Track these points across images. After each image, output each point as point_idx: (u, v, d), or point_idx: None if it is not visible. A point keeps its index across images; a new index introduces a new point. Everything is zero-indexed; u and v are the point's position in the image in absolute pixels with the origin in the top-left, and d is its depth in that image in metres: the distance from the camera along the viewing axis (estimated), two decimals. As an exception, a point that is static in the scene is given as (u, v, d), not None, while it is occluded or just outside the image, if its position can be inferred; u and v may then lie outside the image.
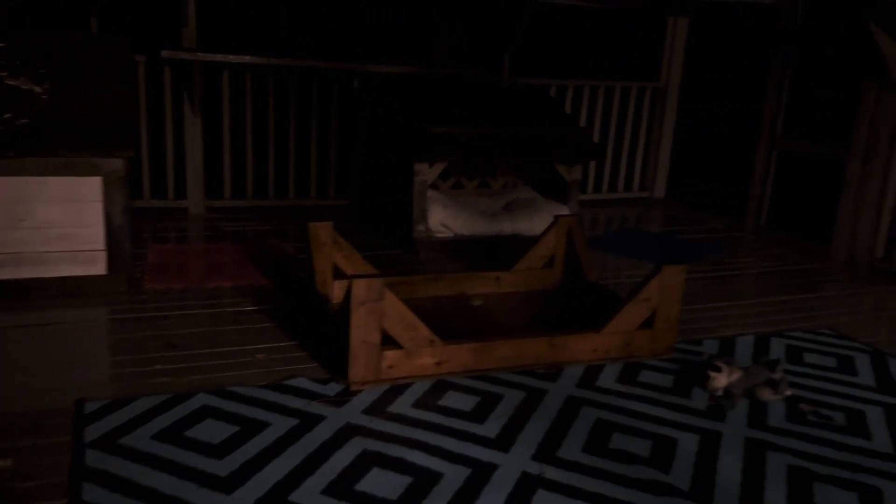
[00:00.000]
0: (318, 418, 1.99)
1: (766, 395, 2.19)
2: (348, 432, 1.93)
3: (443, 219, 3.61)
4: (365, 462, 1.80)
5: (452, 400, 2.12)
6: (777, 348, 2.64)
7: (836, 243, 3.84)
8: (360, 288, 2.08)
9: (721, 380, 2.21)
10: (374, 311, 2.10)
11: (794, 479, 1.81)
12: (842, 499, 1.74)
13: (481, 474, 1.77)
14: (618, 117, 5.00)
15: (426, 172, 3.48)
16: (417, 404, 2.09)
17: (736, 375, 2.21)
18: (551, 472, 1.79)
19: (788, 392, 2.21)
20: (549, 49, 4.90)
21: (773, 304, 3.15)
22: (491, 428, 1.98)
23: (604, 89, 4.90)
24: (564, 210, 3.82)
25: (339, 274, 2.71)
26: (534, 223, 3.72)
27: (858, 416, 2.17)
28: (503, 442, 1.91)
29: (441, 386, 2.20)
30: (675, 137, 5.13)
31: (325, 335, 2.46)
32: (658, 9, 4.82)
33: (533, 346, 2.35)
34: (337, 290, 2.61)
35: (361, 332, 2.11)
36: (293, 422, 1.96)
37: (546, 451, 1.88)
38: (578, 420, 2.06)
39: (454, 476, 1.75)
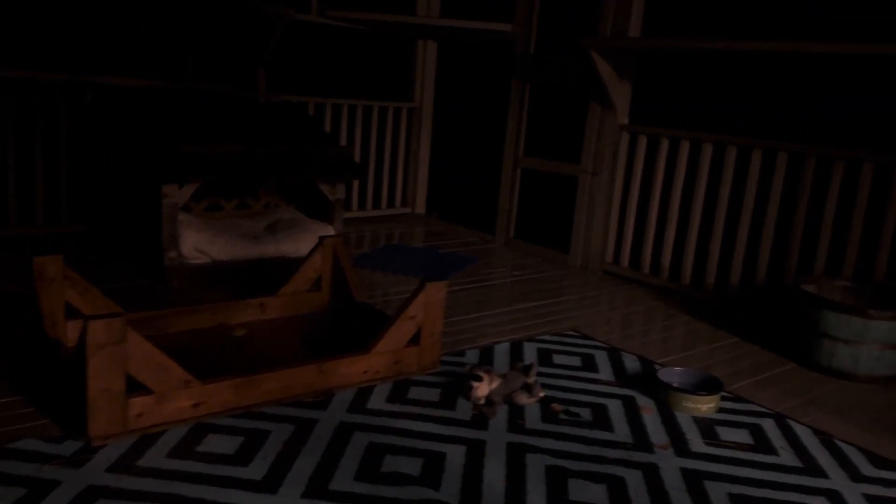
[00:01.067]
0: (52, 484, 1.72)
1: (523, 399, 2.33)
2: (90, 496, 1.69)
3: (197, 243, 3.37)
4: (111, 529, 1.58)
5: (213, 444, 1.96)
6: (530, 352, 2.84)
7: (574, 251, 4.26)
8: (97, 329, 1.84)
9: (482, 388, 2.31)
10: (116, 354, 1.87)
11: (552, 479, 1.93)
12: (593, 491, 1.89)
13: (248, 522, 1.65)
14: (377, 136, 5.09)
15: (176, 194, 3.22)
16: (172, 454, 1.90)
17: (496, 383, 2.33)
18: (323, 508, 1.72)
19: (542, 394, 2.38)
20: (306, 66, 4.84)
21: (524, 311, 3.38)
22: (257, 469, 1.86)
23: (362, 108, 4.96)
24: (329, 229, 3.78)
25: (73, 313, 2.39)
26: (299, 244, 3.63)
27: (602, 410, 2.39)
28: (271, 483, 1.81)
29: (200, 430, 2.03)
30: (432, 155, 5.35)
31: (57, 386, 2.14)
32: (408, 32, 5.00)
33: (301, 374, 2.27)
34: (71, 333, 2.30)
35: (101, 379, 1.87)
36: (20, 492, 1.68)
37: (317, 486, 1.81)
38: (350, 447, 2.01)
39: (217, 529, 1.61)
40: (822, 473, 2.08)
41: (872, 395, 2.70)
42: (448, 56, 5.19)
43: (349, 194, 4.99)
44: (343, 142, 4.85)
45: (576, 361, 2.79)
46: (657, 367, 2.70)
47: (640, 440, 2.19)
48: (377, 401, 2.31)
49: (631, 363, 2.81)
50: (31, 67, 3.82)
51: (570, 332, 3.12)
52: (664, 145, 3.82)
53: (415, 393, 2.39)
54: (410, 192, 5.37)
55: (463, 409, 2.30)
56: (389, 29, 4.88)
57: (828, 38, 3.12)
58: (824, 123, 3.30)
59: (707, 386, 2.49)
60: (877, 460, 2.18)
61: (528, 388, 2.33)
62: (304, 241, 3.59)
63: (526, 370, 2.38)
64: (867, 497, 1.96)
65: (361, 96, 4.97)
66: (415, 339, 2.50)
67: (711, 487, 1.95)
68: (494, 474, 1.93)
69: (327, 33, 4.80)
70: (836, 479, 2.05)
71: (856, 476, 2.07)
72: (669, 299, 3.73)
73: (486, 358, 2.75)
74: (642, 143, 3.91)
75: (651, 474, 2.00)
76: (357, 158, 4.96)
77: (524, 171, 4.59)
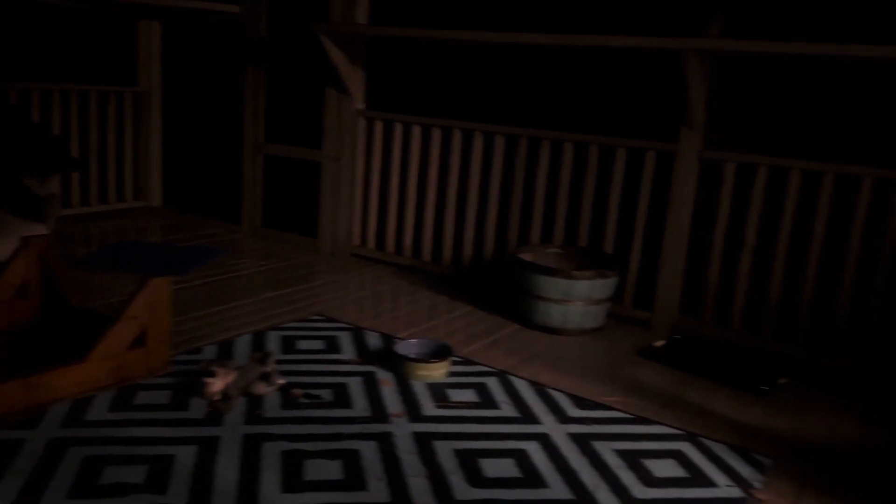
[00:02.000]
0: None
1: (261, 389, 2.30)
2: None
3: None
4: None
5: None
6: (274, 341, 2.81)
7: (322, 236, 4.28)
8: None
9: (217, 384, 2.24)
10: None
11: (288, 463, 1.94)
12: (328, 468, 1.94)
13: (-74, 568, 1.44)
14: (98, 124, 4.65)
15: None
16: None
17: (231, 376, 2.27)
18: (26, 535, 1.56)
19: (281, 382, 2.37)
20: (10, 49, 4.24)
21: (269, 301, 3.34)
22: (-58, 506, 1.63)
23: (76, 94, 4.48)
24: (41, 229, 3.37)
25: None
26: (6, 248, 3.19)
27: (342, 388, 2.45)
28: (-40, 518, 1.60)
29: None
30: (165, 143, 5.01)
31: None
32: (126, 11, 4.61)
33: (1, 393, 2.02)
34: None
35: None
36: None
37: (21, 513, 1.63)
38: (64, 463, 1.84)
39: None
40: (535, 420, 2.33)
41: (579, 347, 3.08)
42: (176, 38, 4.88)
43: (68, 189, 4.50)
44: (57, 131, 4.35)
45: (319, 345, 2.82)
46: (396, 341, 2.83)
47: (378, 412, 2.29)
48: (98, 411, 2.14)
49: (374, 341, 2.91)
50: None
51: (316, 317, 3.15)
52: (398, 130, 3.97)
53: (142, 398, 2.25)
54: (143, 183, 4.99)
55: (197, 409, 2.22)
56: (104, 7, 4.46)
57: (541, 30, 3.46)
58: (536, 107, 3.66)
59: (439, 354, 2.66)
60: (581, 402, 2.49)
61: (265, 378, 2.31)
62: (8, 243, 3.17)
63: (263, 360, 2.35)
64: (570, 435, 2.24)
65: (77, 81, 4.49)
66: (140, 341, 2.34)
67: (439, 446, 2.10)
68: (227, 469, 1.89)
69: (37, 12, 4.26)
70: (547, 423, 2.32)
71: (563, 418, 2.36)
72: (413, 277, 3.91)
73: (226, 352, 2.67)
74: (378, 128, 4.03)
75: (385, 443, 2.09)
76: (75, 150, 4.49)
77: (267, 158, 4.50)
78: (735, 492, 1.98)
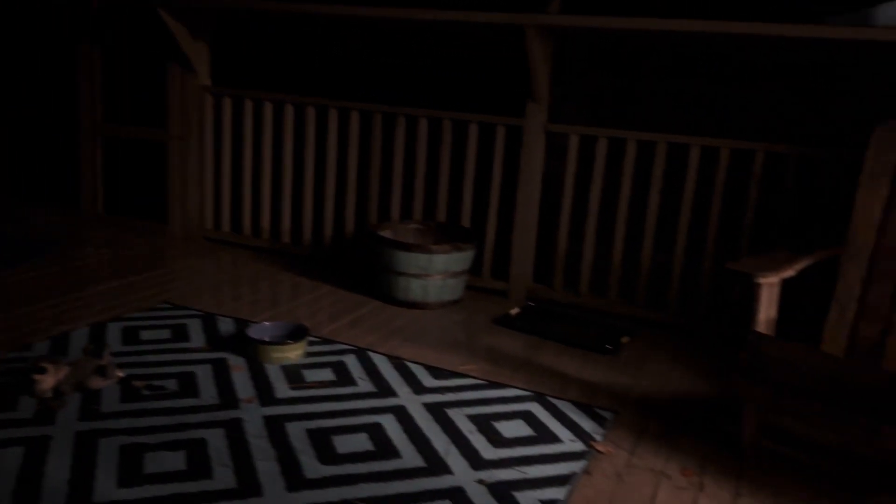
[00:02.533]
0: None
1: (97, 382, 2.17)
2: None
3: None
4: None
5: None
6: (114, 334, 2.65)
7: (172, 221, 4.07)
8: None
9: (48, 381, 2.09)
10: None
11: (126, 457, 1.85)
12: (170, 460, 1.86)
13: None
14: None
15: None
16: None
17: (63, 372, 2.12)
18: None
19: (119, 374, 2.24)
20: None
21: (112, 290, 3.14)
22: None
23: None
24: None
25: None
26: None
27: (190, 377, 2.35)
28: None
29: None
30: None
31: None
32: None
33: None
34: None
35: None
36: None
37: None
38: None
39: None
40: (392, 393, 2.35)
41: (439, 319, 3.13)
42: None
43: None
44: None
45: (165, 334, 2.69)
46: (250, 325, 2.75)
47: (227, 399, 2.22)
48: None
49: (227, 326, 2.81)
50: None
51: (163, 305, 2.99)
52: (249, 107, 3.83)
53: (-41, 402, 2.05)
54: (-32, 170, 4.53)
55: (26, 408, 2.05)
56: None
57: (388, 4, 3.43)
58: (392, 83, 3.65)
59: (295, 335, 2.62)
60: (437, 373, 2.54)
61: (101, 371, 2.17)
62: None
63: (97, 353, 2.21)
64: (425, 405, 2.28)
65: None
66: (-46, 340, 2.13)
67: (292, 428, 2.07)
68: (57, 469, 1.77)
69: None
70: (403, 395, 2.34)
71: (419, 389, 2.39)
72: (272, 259, 3.81)
73: (61, 348, 2.49)
74: (227, 105, 3.87)
75: (234, 429, 2.04)
76: None
77: (107, 140, 4.20)
78: (578, 446, 2.10)
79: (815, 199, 2.87)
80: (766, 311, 2.00)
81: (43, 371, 2.08)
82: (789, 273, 2.04)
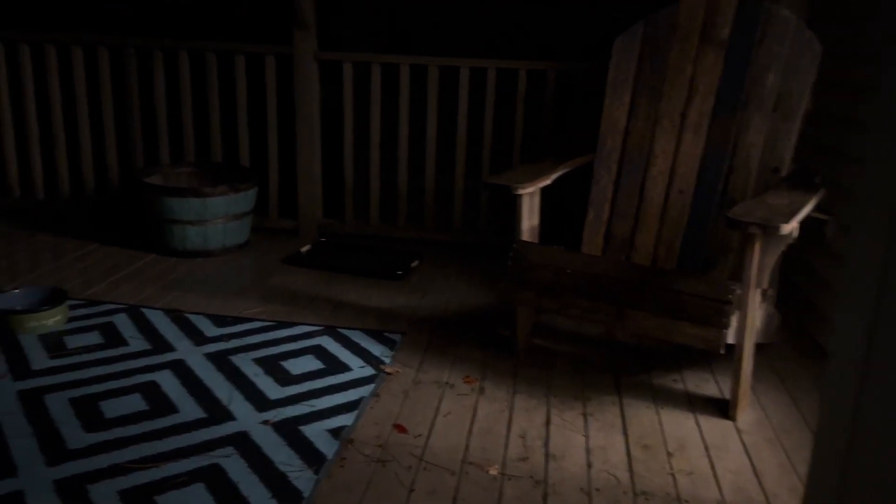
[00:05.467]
0: None
1: None
2: None
3: None
4: None
5: None
6: None
7: None
8: None
9: None
10: None
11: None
12: (128, 402, 1.82)
13: None
14: None
15: None
16: None
17: None
18: None
19: None
20: None
21: None
22: None
23: None
24: None
25: None
26: None
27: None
28: None
29: None
30: None
31: None
32: None
33: None
34: None
35: None
36: None
37: None
38: None
39: None
40: (169, 348, 2.20)
41: (223, 266, 2.98)
42: None
43: None
44: None
45: None
46: (-2, 295, 2.43)
47: (-31, 380, 1.96)
48: None
49: (-32, 300, 2.46)
50: None
51: None
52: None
53: None
54: None
55: None
56: None
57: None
58: (148, 15, 3.29)
59: (52, 300, 2.35)
60: (220, 320, 2.42)
61: None
62: None
63: None
64: (208, 355, 2.17)
65: None
66: None
67: (51, 400, 1.87)
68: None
69: None
70: (182, 348, 2.21)
71: (199, 340, 2.27)
72: (23, 220, 3.37)
73: None
74: (-57, 46, 3.29)
75: (-22, 412, 1.81)
76: None
77: None
78: (367, 371, 2.11)
79: (574, 110, 3.06)
80: (528, 219, 2.11)
81: None
82: (545, 182, 2.16)
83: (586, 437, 1.83)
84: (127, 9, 3.32)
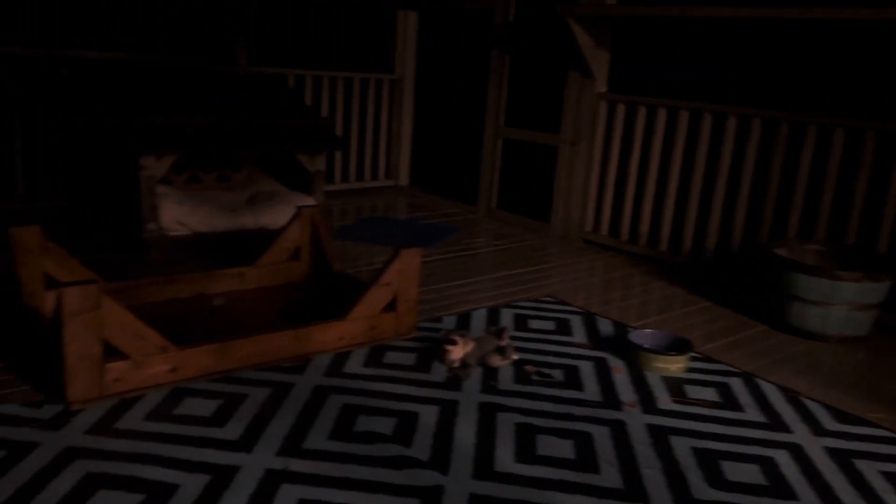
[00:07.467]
0: (31, 446, 1.76)
1: (496, 361, 2.38)
2: (68, 456, 1.73)
3: (178, 216, 3.38)
4: (89, 485, 1.63)
5: (190, 407, 2.01)
6: (507, 318, 2.88)
7: (554, 221, 4.29)
8: (72, 297, 1.87)
9: (457, 352, 2.36)
10: (92, 320, 1.90)
11: (521, 435, 1.99)
12: (559, 446, 1.95)
13: (222, 479, 1.69)
14: (359, 108, 5.09)
15: (154, 166, 3.23)
16: (150, 416, 1.94)
17: (470, 346, 2.38)
18: (296, 465, 1.77)
19: (515, 356, 2.43)
20: (286, 39, 4.81)
21: (502, 279, 3.43)
22: (233, 430, 1.91)
23: (342, 80, 4.94)
24: (310, 201, 3.79)
25: (53, 284, 2.41)
26: (278, 216, 3.64)
27: (573, 371, 2.44)
28: (246, 442, 1.85)
29: (177, 394, 2.07)
30: (415, 127, 5.35)
31: (36, 352, 2.17)
32: (388, 2, 4.97)
33: (276, 340, 2.31)
34: (49, 302, 2.32)
35: (78, 345, 1.90)
36: (0, 453, 1.72)
37: (291, 445, 1.86)
38: (325, 408, 2.06)
39: (192, 485, 1.66)
40: (785, 428, 2.14)
41: (840, 355, 2.76)
42: (429, 26, 5.17)
43: (332, 167, 5.00)
44: (325, 114, 4.84)
45: (550, 325, 2.84)
46: (630, 329, 2.75)
47: (609, 399, 2.25)
48: (353, 365, 2.35)
49: (605, 327, 2.87)
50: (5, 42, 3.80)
51: (547, 298, 3.17)
52: (641, 114, 3.84)
53: (391, 357, 2.43)
54: (394, 164, 5.38)
55: (438, 372, 2.35)
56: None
57: (804, 4, 3.13)
58: (799, 89, 3.33)
59: (677, 347, 2.55)
60: (839, 415, 2.24)
61: (501, 351, 2.38)
62: (283, 212, 3.61)
63: (498, 333, 2.42)
64: (827, 450, 2.03)
65: (342, 68, 4.96)
66: (391, 306, 2.53)
67: (676, 442, 2.01)
68: (465, 432, 1.98)
69: (307, 4, 4.78)
70: (799, 433, 2.12)
71: (818, 430, 2.14)
72: (647, 266, 3.78)
73: (463, 323, 2.79)
74: (620, 111, 3.93)
75: (618, 430, 2.05)
76: (339, 130, 4.96)
77: (505, 142, 4.61)
78: None
79: None
80: None
81: (454, 343, 2.36)
82: None
83: None
84: (781, 84, 3.39)
